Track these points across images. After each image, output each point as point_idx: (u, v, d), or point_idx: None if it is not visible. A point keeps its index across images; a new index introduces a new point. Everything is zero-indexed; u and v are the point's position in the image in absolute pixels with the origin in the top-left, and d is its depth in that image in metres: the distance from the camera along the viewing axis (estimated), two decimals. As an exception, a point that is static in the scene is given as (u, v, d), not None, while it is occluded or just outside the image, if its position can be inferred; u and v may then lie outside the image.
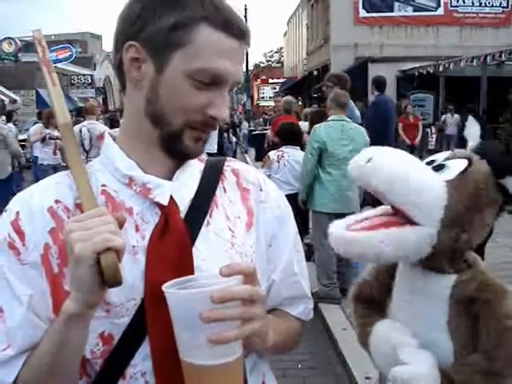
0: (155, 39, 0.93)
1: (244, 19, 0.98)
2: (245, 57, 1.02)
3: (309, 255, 5.57)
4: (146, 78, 0.96)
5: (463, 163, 1.25)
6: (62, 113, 0.97)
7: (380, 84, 7.61)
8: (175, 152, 0.99)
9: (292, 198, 5.03)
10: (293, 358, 4.01)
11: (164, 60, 0.94)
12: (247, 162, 15.39)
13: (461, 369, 1.22)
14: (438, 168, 1.26)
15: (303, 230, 5.29)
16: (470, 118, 1.40)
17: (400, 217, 1.21)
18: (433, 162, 1.29)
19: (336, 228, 1.24)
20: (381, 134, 6.86)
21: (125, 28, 0.97)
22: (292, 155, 5.39)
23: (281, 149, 5.59)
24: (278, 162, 5.45)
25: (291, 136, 5.61)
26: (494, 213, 1.26)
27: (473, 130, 1.38)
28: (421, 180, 1.19)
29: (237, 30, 0.95)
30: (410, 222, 1.19)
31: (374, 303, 1.41)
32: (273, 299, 1.10)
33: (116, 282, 0.81)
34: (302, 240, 1.20)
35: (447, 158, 1.29)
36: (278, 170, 5.43)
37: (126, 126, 1.04)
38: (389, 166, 1.19)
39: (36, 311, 0.93)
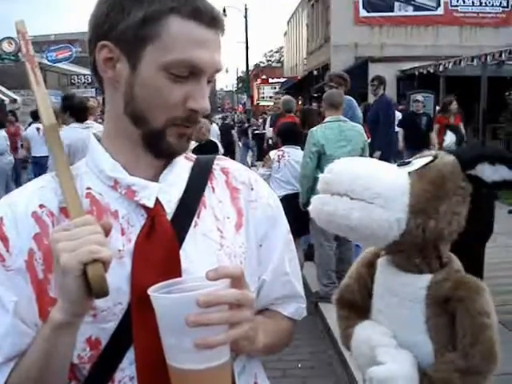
0: (126, 36, 0.91)
1: (215, 7, 0.95)
2: (221, 46, 0.96)
3: (311, 255, 5.57)
4: (121, 77, 0.94)
5: (428, 159, 1.29)
6: (48, 114, 0.95)
7: (385, 83, 7.65)
8: (159, 150, 0.97)
9: (293, 198, 5.03)
10: (293, 357, 4.01)
11: (137, 56, 0.92)
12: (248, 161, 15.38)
13: (439, 367, 1.22)
14: (402, 164, 1.31)
15: (305, 230, 5.27)
16: (449, 132, 1.49)
17: None
18: (400, 162, 1.35)
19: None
20: (388, 133, 6.89)
21: (95, 29, 0.95)
22: (292, 155, 5.38)
23: (281, 148, 5.58)
24: (279, 161, 5.44)
25: (292, 136, 5.60)
26: (463, 201, 1.27)
27: (449, 139, 1.46)
28: (382, 173, 1.25)
29: (207, 18, 0.92)
30: None
31: (357, 307, 1.42)
32: (264, 299, 1.09)
33: (102, 293, 0.81)
34: (295, 240, 1.21)
35: (415, 158, 1.34)
36: (278, 170, 5.42)
37: (109, 127, 1.02)
38: (349, 168, 1.25)
39: (22, 318, 0.91)
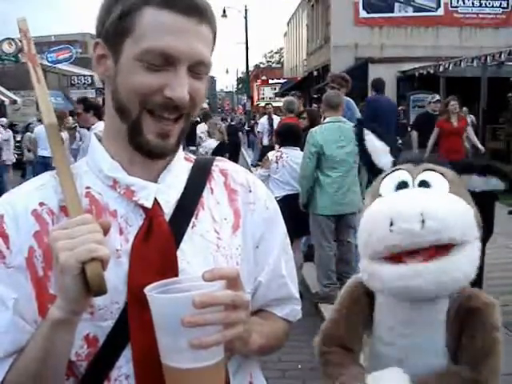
0: (109, 33, 0.95)
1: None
2: (204, 36, 0.95)
3: (311, 256, 5.56)
4: (110, 72, 0.96)
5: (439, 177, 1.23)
6: (48, 113, 0.96)
7: (376, 84, 7.64)
8: (139, 147, 0.96)
9: (292, 198, 5.03)
10: (293, 358, 4.00)
11: (118, 51, 0.94)
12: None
13: (445, 380, 1.16)
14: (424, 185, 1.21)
15: (305, 230, 5.27)
16: (367, 133, 1.36)
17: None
18: (405, 183, 1.22)
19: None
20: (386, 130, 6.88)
21: (96, 30, 0.98)
22: (291, 156, 5.38)
23: (279, 149, 5.58)
24: (277, 162, 5.44)
25: (291, 136, 5.60)
26: None
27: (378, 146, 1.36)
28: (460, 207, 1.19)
29: (182, 6, 0.91)
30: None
31: (345, 347, 1.31)
32: (259, 300, 1.10)
33: (101, 291, 0.81)
34: (294, 240, 1.17)
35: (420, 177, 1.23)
36: (276, 171, 5.42)
37: (106, 126, 1.03)
38: (450, 212, 1.15)
39: (22, 315, 0.92)
